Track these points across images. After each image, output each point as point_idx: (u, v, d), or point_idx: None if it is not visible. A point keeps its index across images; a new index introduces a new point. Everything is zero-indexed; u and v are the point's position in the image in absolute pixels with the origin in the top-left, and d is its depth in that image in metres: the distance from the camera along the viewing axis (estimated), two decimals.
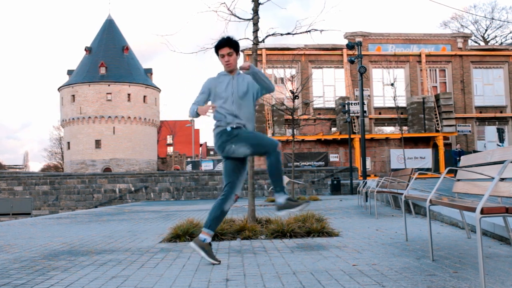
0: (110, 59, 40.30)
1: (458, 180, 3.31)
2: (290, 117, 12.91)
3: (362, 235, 4.02)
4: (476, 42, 35.47)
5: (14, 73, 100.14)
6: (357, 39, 23.58)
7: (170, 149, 56.04)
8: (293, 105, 12.92)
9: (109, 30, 42.76)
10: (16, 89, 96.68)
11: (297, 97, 12.82)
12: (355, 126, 23.67)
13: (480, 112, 26.41)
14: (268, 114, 24.08)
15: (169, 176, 19.87)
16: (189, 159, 41.57)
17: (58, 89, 42.11)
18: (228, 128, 2.82)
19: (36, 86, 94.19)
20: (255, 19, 4.51)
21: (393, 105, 22.89)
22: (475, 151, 23.52)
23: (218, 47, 2.91)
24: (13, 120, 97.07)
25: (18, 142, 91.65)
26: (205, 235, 2.82)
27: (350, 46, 12.25)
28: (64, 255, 3.35)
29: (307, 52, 25.20)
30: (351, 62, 13.02)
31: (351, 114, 20.08)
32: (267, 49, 24.44)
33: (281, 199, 2.75)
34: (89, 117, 39.43)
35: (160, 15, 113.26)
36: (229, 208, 2.91)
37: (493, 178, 2.32)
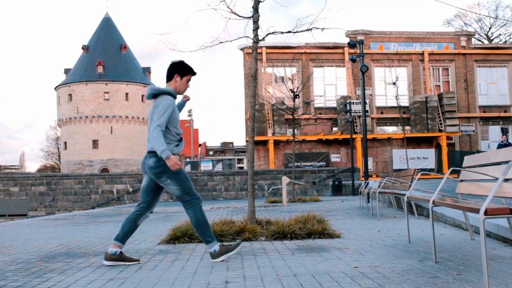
0: (107, 58, 40.26)
1: (462, 180, 3.26)
2: (291, 117, 12.88)
3: (363, 237, 3.98)
4: (479, 41, 35.30)
5: (13, 72, 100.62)
6: (359, 38, 23.48)
7: None
8: (294, 105, 12.87)
9: (107, 28, 42.71)
10: (17, 88, 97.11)
11: (297, 96, 12.78)
12: (356, 125, 23.60)
13: (484, 112, 26.27)
14: (268, 113, 24.05)
15: None
16: (188, 160, 41.60)
17: (55, 88, 42.11)
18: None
19: (36, 86, 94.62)
20: (255, 17, 4.46)
21: (395, 105, 22.82)
22: (478, 151, 23.39)
23: (191, 72, 3.01)
24: (15, 120, 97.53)
25: (19, 142, 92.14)
26: (116, 248, 2.89)
27: (351, 45, 12.19)
28: (61, 257, 3.33)
29: (308, 51, 25.15)
30: (353, 60, 12.96)
31: (352, 114, 20.01)
32: (267, 47, 24.39)
33: (216, 247, 2.87)
34: (86, 117, 39.42)
35: (159, 13, 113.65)
36: (141, 223, 3.03)
37: (497, 178, 2.28)
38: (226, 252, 2.87)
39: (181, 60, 3.02)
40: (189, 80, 2.99)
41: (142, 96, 41.31)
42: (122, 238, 2.91)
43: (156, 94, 2.91)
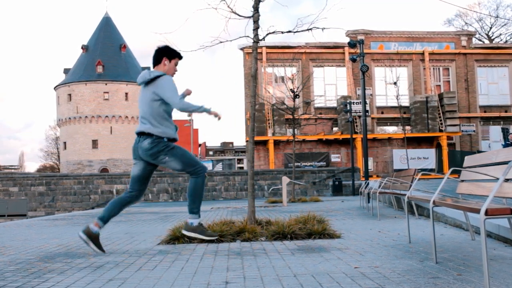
0: (107, 58, 40.24)
1: (462, 180, 3.25)
2: (291, 117, 12.87)
3: (364, 237, 3.97)
4: (480, 40, 35.28)
5: (13, 72, 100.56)
6: (359, 37, 23.52)
7: None
8: (294, 104, 12.88)
9: (106, 28, 42.68)
10: (17, 88, 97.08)
11: (297, 96, 12.78)
12: (357, 125, 23.59)
13: (485, 112, 26.25)
14: (268, 113, 24.04)
15: (168, 177, 19.84)
16: None
17: (55, 88, 42.08)
18: (165, 139, 2.87)
19: (35, 86, 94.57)
20: (255, 17, 4.45)
21: (395, 105, 22.82)
22: (479, 151, 23.37)
23: (178, 55, 3.03)
24: (15, 120, 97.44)
25: (19, 142, 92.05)
26: (97, 227, 2.92)
27: (352, 44, 12.17)
28: (60, 257, 3.32)
29: (308, 51, 25.13)
30: (353, 60, 12.94)
31: (353, 114, 20.00)
32: (268, 47, 24.38)
33: (194, 221, 2.87)
34: (86, 117, 39.39)
35: (159, 13, 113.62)
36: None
37: (498, 179, 2.27)
38: (199, 233, 2.86)
39: (166, 44, 3.03)
40: (176, 63, 3.01)
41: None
42: (107, 220, 2.93)
43: (153, 78, 2.92)
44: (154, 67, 3.00)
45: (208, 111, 2.85)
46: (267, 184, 18.49)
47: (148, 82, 2.91)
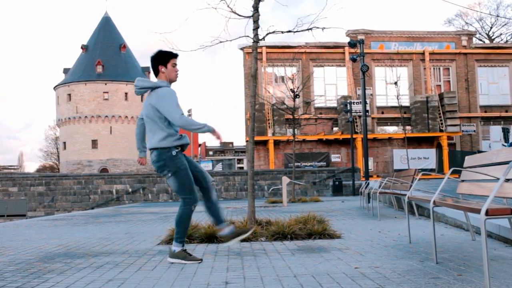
0: (107, 58, 40.21)
1: (463, 181, 3.25)
2: (291, 117, 12.86)
3: (364, 237, 3.97)
4: (480, 40, 35.26)
5: (13, 72, 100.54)
6: (360, 37, 23.48)
7: None
8: (294, 104, 12.88)
9: (106, 28, 42.67)
10: (17, 88, 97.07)
11: (298, 96, 12.78)
12: (357, 125, 23.58)
13: (485, 112, 26.24)
14: (268, 113, 24.04)
15: None
16: None
17: (54, 88, 42.07)
18: (174, 152, 2.82)
19: (35, 86, 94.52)
20: (255, 17, 4.45)
21: (396, 104, 22.82)
22: (479, 151, 23.36)
23: (173, 56, 2.93)
24: (15, 120, 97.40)
25: (19, 142, 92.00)
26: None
27: (352, 44, 12.16)
28: (60, 257, 3.32)
29: (308, 50, 25.13)
30: (353, 60, 12.93)
31: (353, 114, 19.99)
32: (268, 47, 24.38)
33: (176, 248, 2.87)
34: (86, 117, 39.35)
35: (159, 12, 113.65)
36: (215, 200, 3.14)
37: (498, 179, 2.26)
38: (182, 258, 2.87)
39: (158, 50, 2.95)
40: (174, 64, 2.93)
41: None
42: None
43: (153, 88, 2.89)
44: (156, 77, 2.98)
45: (211, 131, 2.78)
46: (267, 184, 18.48)
47: (149, 90, 2.91)
